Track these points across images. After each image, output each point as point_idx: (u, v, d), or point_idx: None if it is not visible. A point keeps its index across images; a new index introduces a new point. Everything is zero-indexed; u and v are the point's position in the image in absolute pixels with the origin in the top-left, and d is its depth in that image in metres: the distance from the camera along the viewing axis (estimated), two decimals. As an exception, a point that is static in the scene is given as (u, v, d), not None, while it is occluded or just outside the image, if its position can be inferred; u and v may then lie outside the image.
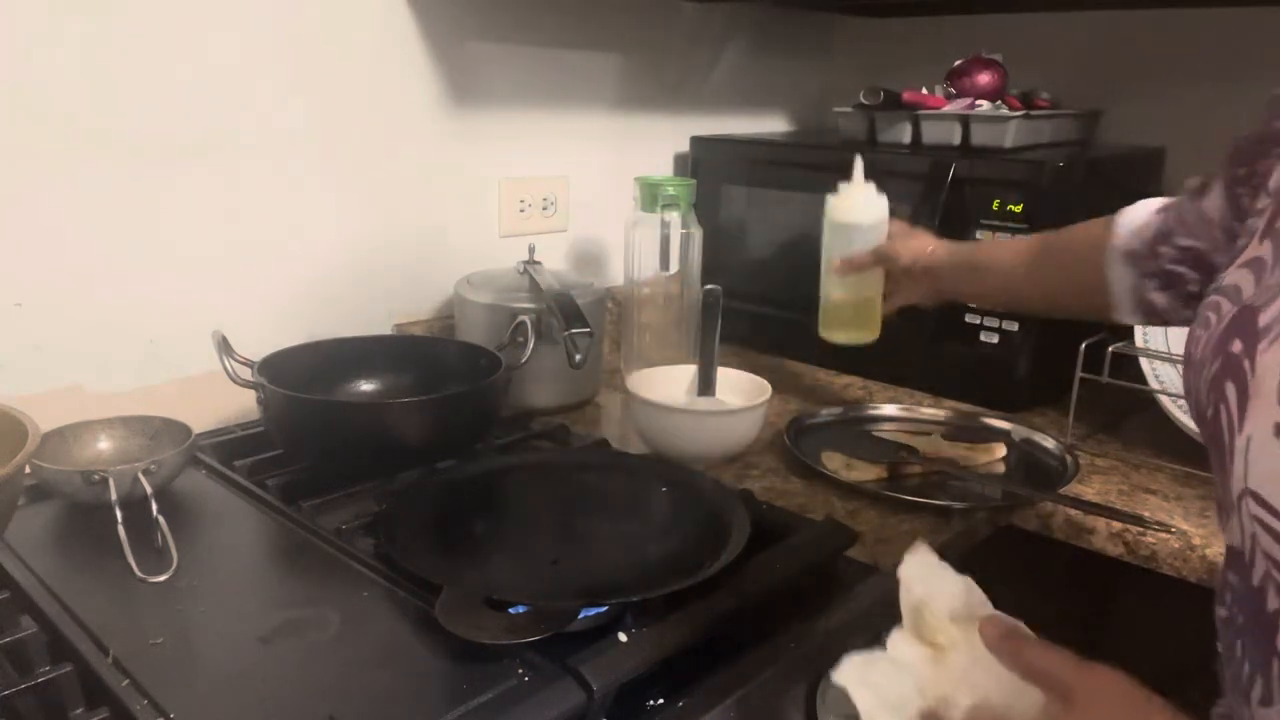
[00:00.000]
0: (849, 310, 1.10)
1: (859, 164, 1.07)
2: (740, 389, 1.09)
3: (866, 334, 1.11)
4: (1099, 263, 0.84)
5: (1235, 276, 0.52)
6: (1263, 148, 0.60)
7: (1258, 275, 0.49)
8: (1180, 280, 0.78)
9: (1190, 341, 0.53)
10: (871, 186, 1.07)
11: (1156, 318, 0.83)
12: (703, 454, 1.01)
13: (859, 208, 1.07)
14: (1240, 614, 0.47)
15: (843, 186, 1.07)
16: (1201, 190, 0.74)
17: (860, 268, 1.06)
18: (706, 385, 1.10)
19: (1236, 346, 0.46)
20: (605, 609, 0.68)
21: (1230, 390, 0.45)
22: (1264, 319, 0.45)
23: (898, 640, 0.58)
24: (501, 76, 1.30)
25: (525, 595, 0.68)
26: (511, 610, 0.67)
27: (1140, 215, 0.83)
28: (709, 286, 1.09)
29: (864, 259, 1.06)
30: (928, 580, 0.59)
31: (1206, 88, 1.38)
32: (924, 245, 1.04)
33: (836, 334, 1.12)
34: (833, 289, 1.10)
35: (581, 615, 0.66)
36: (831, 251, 1.09)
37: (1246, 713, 0.48)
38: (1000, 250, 1.03)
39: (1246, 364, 0.45)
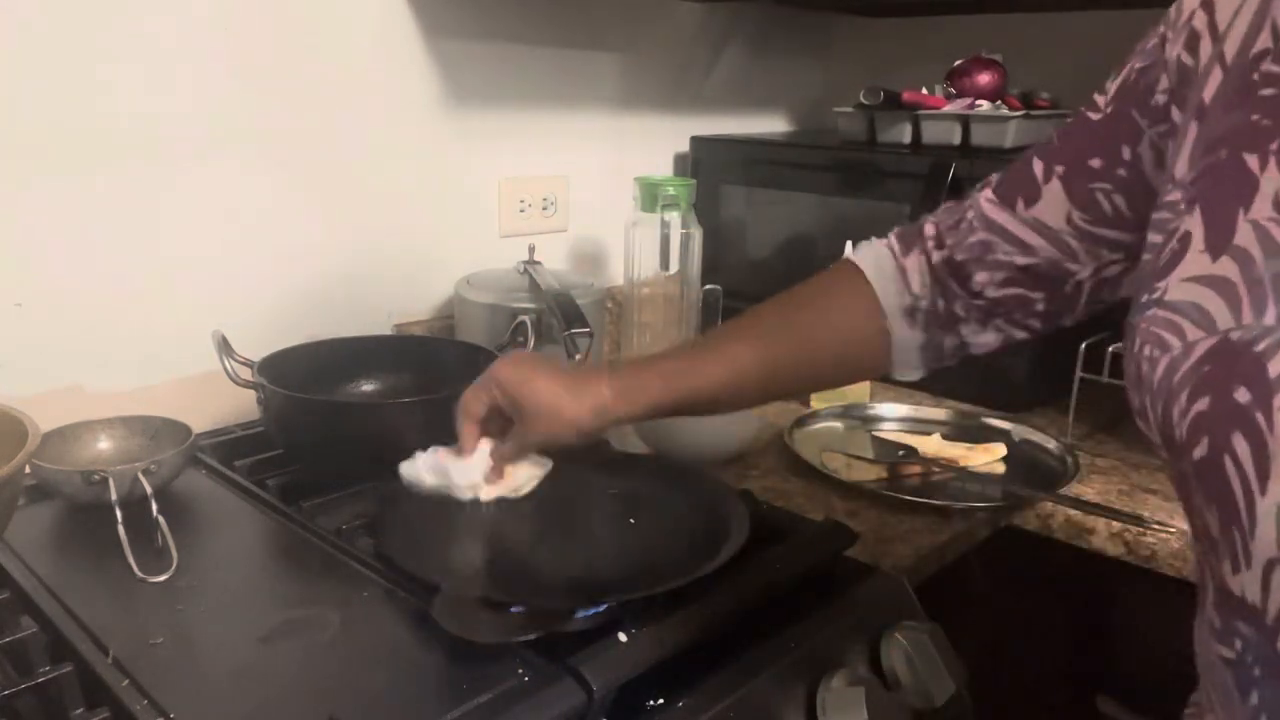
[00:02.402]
0: None
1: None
2: None
3: None
4: (865, 340, 0.73)
5: (1186, 292, 0.47)
6: (1124, 127, 0.58)
7: (1229, 299, 0.45)
8: (1020, 304, 0.69)
9: (1139, 362, 0.49)
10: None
11: (948, 361, 0.74)
12: (703, 454, 1.01)
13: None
14: (1259, 666, 0.45)
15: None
16: (1012, 198, 0.67)
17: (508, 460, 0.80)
18: None
19: (1243, 396, 0.42)
20: (605, 609, 0.67)
21: (1240, 444, 0.42)
22: (1276, 369, 0.41)
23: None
24: (501, 76, 1.30)
25: (524, 595, 0.68)
26: (513, 610, 0.66)
27: (888, 263, 0.73)
28: (709, 286, 1.09)
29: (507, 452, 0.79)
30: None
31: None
32: (580, 417, 0.74)
33: None
34: None
35: (579, 615, 0.66)
36: None
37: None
38: (705, 380, 0.73)
39: (1261, 419, 0.41)
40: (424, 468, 0.80)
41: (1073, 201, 0.64)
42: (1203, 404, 0.44)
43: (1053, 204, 0.65)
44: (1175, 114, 0.56)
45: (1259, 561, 0.42)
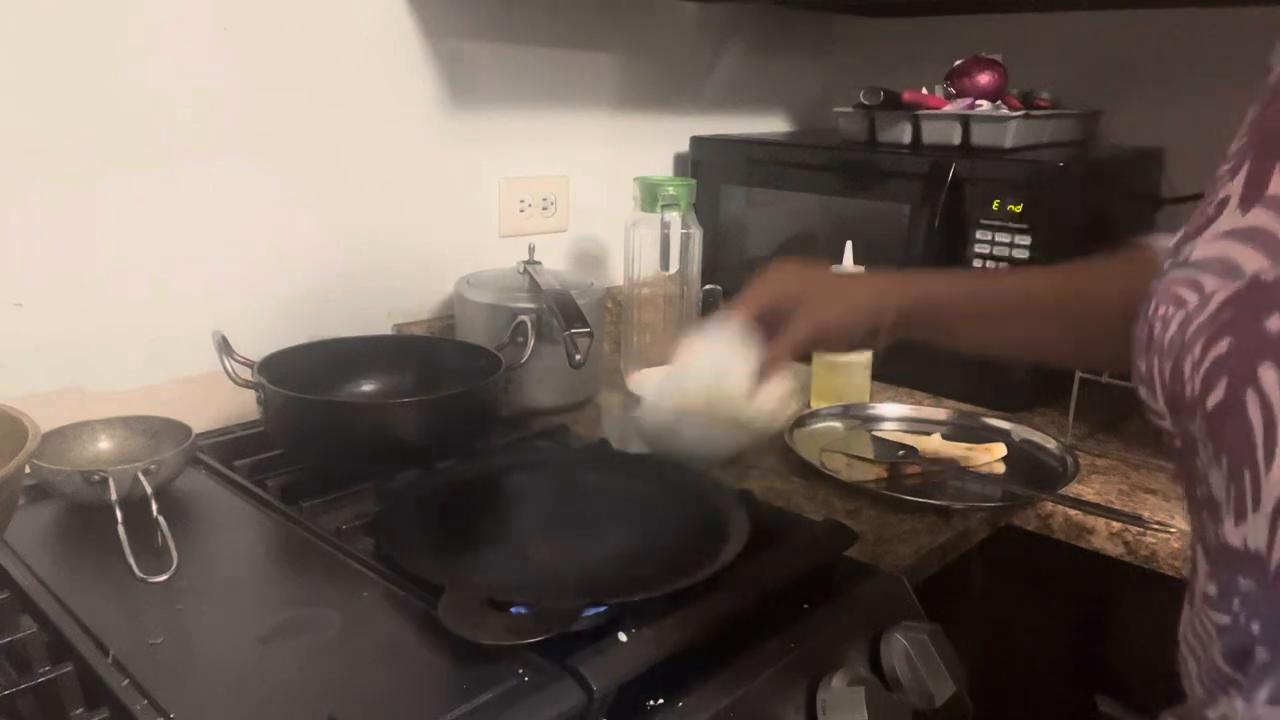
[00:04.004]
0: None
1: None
2: None
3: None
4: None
5: (1213, 249, 0.46)
6: None
7: (1263, 246, 0.43)
8: None
9: (1151, 324, 0.48)
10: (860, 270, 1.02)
11: None
12: (703, 454, 1.01)
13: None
14: (1256, 621, 0.45)
15: (834, 269, 1.07)
16: None
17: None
18: None
19: (1275, 324, 0.41)
20: (605, 609, 0.68)
21: (1270, 375, 0.41)
22: None
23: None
24: (502, 76, 1.30)
25: (527, 596, 0.68)
26: (514, 610, 0.67)
27: None
28: (709, 286, 1.09)
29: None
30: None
31: (1206, 88, 1.38)
32: (857, 295, 0.75)
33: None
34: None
35: (585, 615, 0.66)
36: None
37: (1244, 710, 0.47)
38: (994, 283, 0.78)
39: None
40: (691, 370, 0.80)
41: None
42: (1221, 347, 0.43)
43: None
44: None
45: (1269, 501, 0.42)
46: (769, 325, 0.76)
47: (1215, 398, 0.43)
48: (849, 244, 1.17)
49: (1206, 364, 0.44)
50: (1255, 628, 0.45)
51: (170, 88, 1.00)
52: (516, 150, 1.34)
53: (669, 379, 0.83)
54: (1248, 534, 0.44)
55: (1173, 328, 0.47)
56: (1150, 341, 0.49)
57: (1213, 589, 0.47)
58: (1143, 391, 0.50)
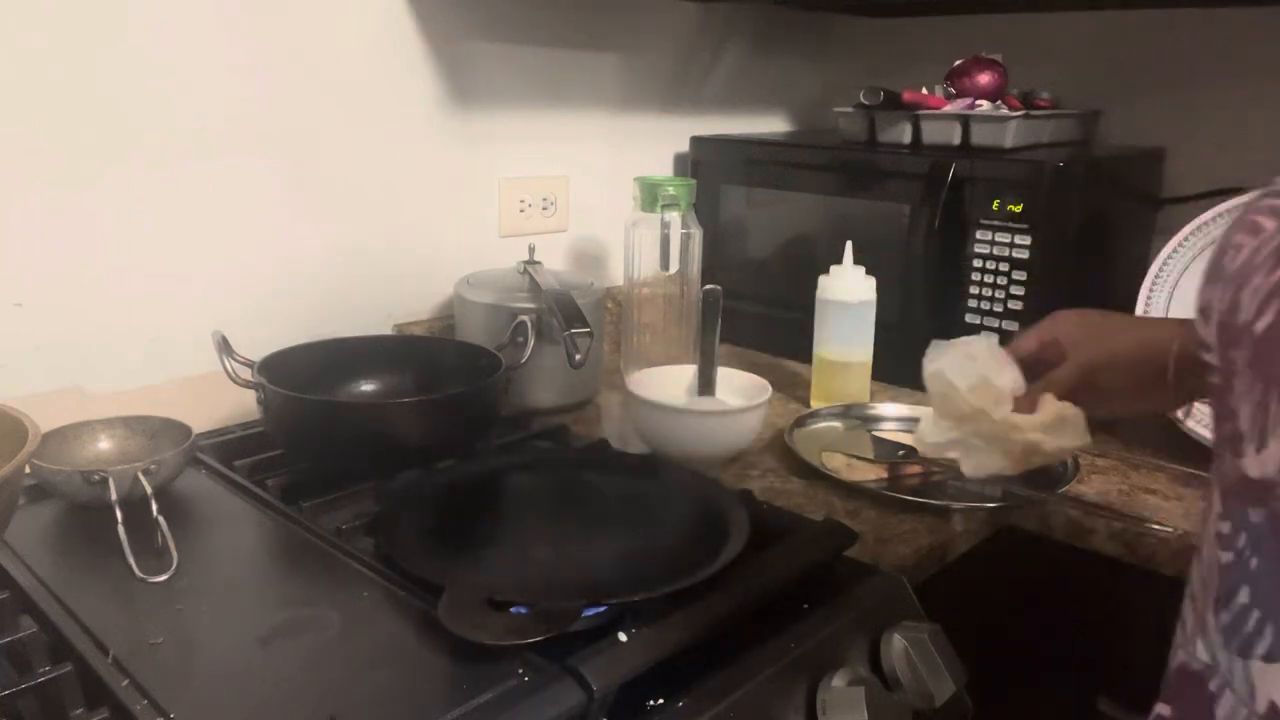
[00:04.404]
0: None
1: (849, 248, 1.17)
2: (740, 389, 1.09)
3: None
4: None
5: None
6: None
7: None
8: None
9: (1224, 252, 0.47)
10: (860, 270, 1.17)
11: None
12: (702, 454, 1.01)
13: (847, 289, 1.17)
14: (1256, 556, 0.44)
15: (834, 269, 1.18)
16: None
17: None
18: (707, 385, 1.10)
19: None
20: (605, 609, 0.68)
21: None
22: None
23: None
24: (501, 76, 1.30)
25: (527, 596, 0.68)
26: (514, 610, 0.67)
27: None
28: (709, 286, 1.09)
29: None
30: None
31: (1206, 88, 1.38)
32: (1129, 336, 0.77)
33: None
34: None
35: (583, 615, 0.66)
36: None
37: (1239, 667, 0.46)
38: None
39: None
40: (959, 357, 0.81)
41: None
42: None
43: None
44: None
45: None
46: (1044, 363, 0.77)
47: (1265, 321, 0.42)
48: (849, 244, 1.17)
49: (1266, 289, 0.42)
50: (1254, 563, 0.44)
51: (171, 88, 1.00)
52: (516, 150, 1.34)
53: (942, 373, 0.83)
54: (1266, 461, 0.43)
55: (1243, 256, 0.45)
56: (1218, 272, 0.48)
57: (1226, 528, 0.47)
58: (1197, 321, 0.49)
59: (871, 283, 1.18)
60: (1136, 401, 0.81)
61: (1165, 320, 0.75)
